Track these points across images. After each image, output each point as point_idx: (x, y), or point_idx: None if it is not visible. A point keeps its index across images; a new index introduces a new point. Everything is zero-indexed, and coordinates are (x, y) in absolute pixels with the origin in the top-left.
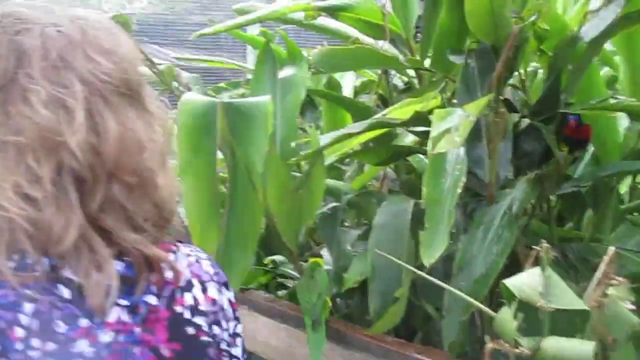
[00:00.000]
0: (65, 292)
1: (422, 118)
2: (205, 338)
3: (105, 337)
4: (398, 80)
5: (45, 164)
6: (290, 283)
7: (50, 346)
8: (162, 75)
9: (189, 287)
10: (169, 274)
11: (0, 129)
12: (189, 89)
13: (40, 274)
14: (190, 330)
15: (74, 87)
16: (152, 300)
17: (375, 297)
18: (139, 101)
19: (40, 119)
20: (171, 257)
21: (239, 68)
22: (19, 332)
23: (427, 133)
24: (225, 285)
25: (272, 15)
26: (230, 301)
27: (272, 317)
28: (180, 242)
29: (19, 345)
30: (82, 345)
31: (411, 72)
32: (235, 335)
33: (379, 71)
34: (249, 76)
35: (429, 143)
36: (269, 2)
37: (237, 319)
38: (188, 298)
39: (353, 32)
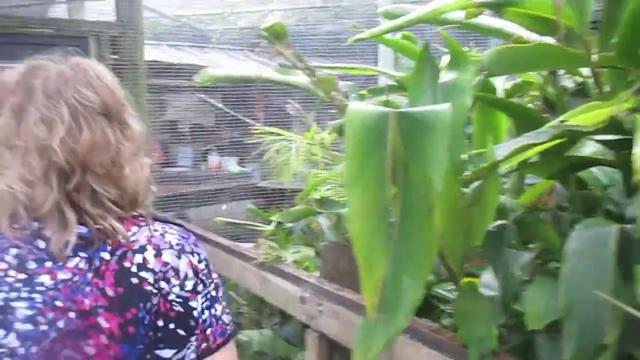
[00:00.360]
0: (41, 244)
1: (611, 124)
2: (149, 288)
3: (63, 275)
4: (568, 81)
5: (38, 159)
6: (441, 306)
7: (22, 276)
8: (322, 85)
9: (141, 250)
10: (124, 240)
11: (14, 138)
12: (347, 97)
13: (30, 232)
14: (135, 280)
15: (61, 109)
16: (105, 256)
17: (573, 340)
18: (116, 118)
19: (36, 131)
20: (131, 229)
21: (372, 73)
22: (3, 265)
23: (620, 142)
24: (191, 253)
25: (428, 15)
26: (191, 265)
27: (438, 349)
28: (166, 221)
29: (1, 273)
30: (44, 278)
31: (584, 71)
32: (195, 291)
33: (545, 71)
34: (389, 82)
35: (637, 159)
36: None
37: (200, 279)
38: (138, 258)
39: (516, 30)
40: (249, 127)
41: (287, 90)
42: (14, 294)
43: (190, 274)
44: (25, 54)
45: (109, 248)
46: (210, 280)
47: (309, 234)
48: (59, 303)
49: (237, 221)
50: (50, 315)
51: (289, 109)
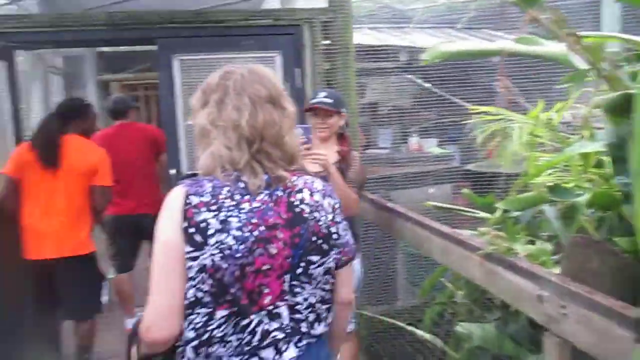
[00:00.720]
0: (241, 185)
1: None
2: (306, 215)
3: (256, 204)
4: None
5: (234, 133)
6: None
7: (232, 203)
8: (588, 54)
9: (300, 191)
10: (289, 184)
11: (217, 120)
12: (617, 67)
13: (233, 177)
14: (297, 210)
15: (245, 100)
16: (280, 193)
17: None
18: (278, 104)
19: (232, 115)
20: (293, 177)
21: (612, 41)
22: (221, 196)
23: None
24: (330, 196)
25: None
26: (330, 204)
27: None
28: (308, 175)
29: (220, 201)
30: (245, 205)
31: None
32: (334, 221)
33: None
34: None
35: None
36: None
37: (336, 214)
38: (299, 196)
39: None
40: (457, 108)
41: (492, 67)
42: (229, 213)
43: (330, 210)
44: (248, 44)
45: (281, 188)
46: (341, 217)
47: (532, 223)
48: (254, 220)
49: (449, 206)
50: (250, 227)
51: (497, 87)
